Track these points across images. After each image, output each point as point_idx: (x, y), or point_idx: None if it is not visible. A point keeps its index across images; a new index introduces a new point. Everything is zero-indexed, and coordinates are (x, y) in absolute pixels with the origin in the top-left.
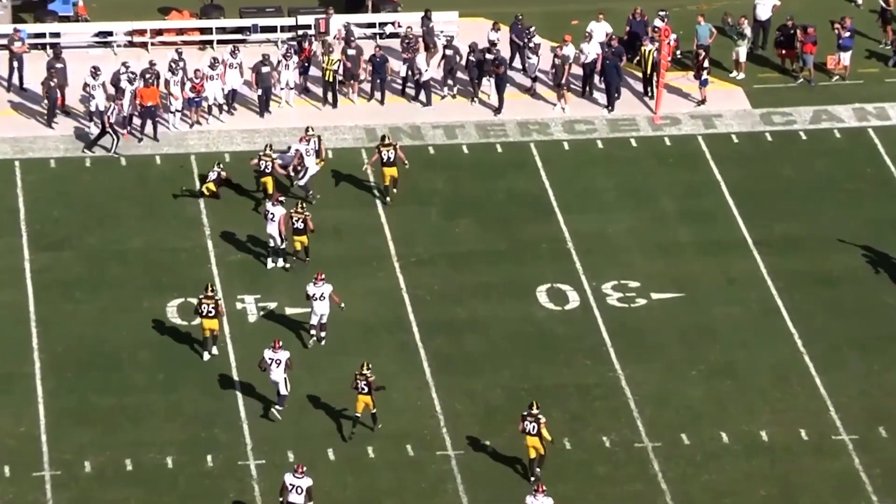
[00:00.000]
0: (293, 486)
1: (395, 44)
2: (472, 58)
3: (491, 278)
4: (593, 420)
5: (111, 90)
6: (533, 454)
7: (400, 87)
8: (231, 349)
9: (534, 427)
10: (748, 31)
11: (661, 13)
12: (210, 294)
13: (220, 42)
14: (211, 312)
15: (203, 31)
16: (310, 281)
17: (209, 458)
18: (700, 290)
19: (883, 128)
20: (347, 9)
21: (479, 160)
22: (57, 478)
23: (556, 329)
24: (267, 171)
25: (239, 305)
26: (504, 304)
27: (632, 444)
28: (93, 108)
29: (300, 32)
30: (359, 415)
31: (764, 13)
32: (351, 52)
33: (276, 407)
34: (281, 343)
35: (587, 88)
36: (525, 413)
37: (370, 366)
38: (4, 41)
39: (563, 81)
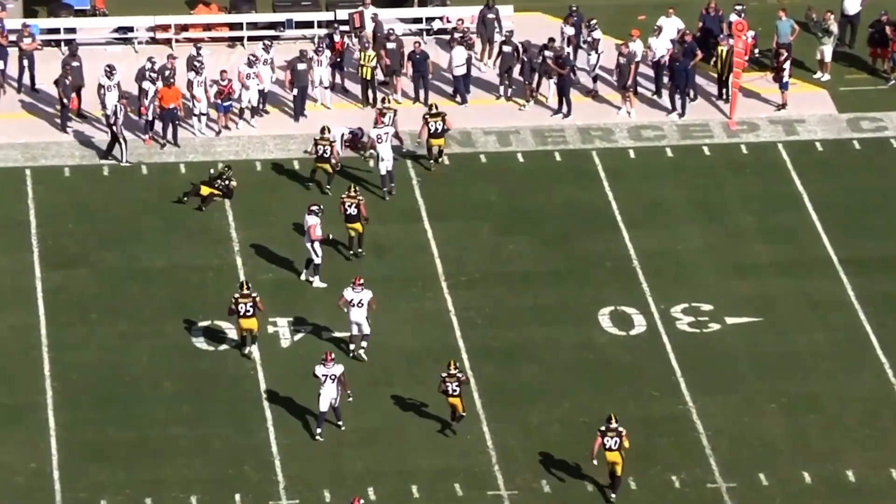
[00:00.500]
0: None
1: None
2: (525, 57)
3: (548, 300)
4: (661, 458)
5: (122, 90)
6: (618, 471)
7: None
8: (262, 377)
9: (616, 442)
10: (835, 27)
11: (737, 7)
12: (246, 292)
13: (251, 39)
14: (249, 311)
15: (232, 26)
16: (347, 286)
17: (238, 497)
18: (780, 314)
19: None
20: (392, 3)
21: (535, 169)
22: None
23: (620, 357)
24: (326, 154)
25: (271, 329)
26: (562, 329)
27: (704, 485)
28: (108, 112)
29: (332, 27)
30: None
31: (852, 7)
32: (391, 45)
33: (339, 423)
34: (333, 356)
35: (656, 90)
36: (603, 428)
37: (457, 364)
38: (14, 37)
39: (630, 83)
